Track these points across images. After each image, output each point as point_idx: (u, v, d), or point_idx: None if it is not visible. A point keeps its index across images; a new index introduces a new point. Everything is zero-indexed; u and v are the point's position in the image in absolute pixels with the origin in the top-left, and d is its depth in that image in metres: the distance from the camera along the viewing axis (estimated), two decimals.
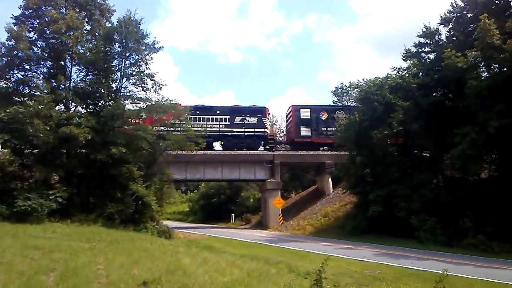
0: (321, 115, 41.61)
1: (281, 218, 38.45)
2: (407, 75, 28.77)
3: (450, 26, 28.04)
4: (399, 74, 29.34)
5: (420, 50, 29.26)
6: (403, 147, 28.71)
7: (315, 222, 34.62)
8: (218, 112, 41.06)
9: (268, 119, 41.76)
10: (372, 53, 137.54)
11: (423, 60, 29.09)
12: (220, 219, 52.26)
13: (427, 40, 28.83)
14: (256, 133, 40.96)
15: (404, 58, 29.92)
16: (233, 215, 51.16)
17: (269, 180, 40.27)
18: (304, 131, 41.21)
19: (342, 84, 69.38)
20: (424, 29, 28.67)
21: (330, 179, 40.77)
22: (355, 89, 34.02)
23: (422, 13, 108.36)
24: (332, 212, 34.80)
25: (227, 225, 48.33)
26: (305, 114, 41.45)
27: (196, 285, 8.77)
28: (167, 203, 40.27)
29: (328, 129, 41.30)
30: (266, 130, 41.66)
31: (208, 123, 39.71)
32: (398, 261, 16.54)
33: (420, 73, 28.42)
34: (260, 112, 41.61)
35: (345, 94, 66.80)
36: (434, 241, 22.71)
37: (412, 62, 29.35)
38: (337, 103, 67.59)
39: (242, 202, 54.67)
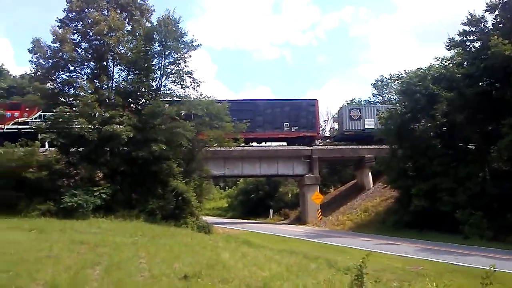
0: None
1: (320, 213, 38.13)
2: (451, 65, 27.68)
3: (497, 12, 26.67)
4: (442, 64, 28.27)
5: (464, 38, 28.03)
6: (447, 139, 27.70)
7: (355, 217, 34.12)
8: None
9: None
10: (412, 43, 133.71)
11: (468, 49, 27.87)
12: (259, 214, 52.39)
13: (472, 28, 27.60)
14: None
15: (447, 48, 28.81)
16: (271, 210, 51.18)
17: (307, 175, 39.99)
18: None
19: (382, 76, 67.70)
20: (469, 17, 27.46)
21: (370, 174, 40.02)
22: (396, 81, 33.12)
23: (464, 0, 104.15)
24: (373, 207, 34.17)
25: (266, 220, 48.41)
26: None
27: (236, 279, 8.82)
28: (206, 199, 40.65)
29: None
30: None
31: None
32: (442, 257, 16.03)
33: (465, 63, 27.26)
34: None
35: (385, 87, 65.34)
36: (480, 236, 21.81)
37: (456, 51, 28.22)
38: (377, 96, 66.36)
39: (280, 197, 54.61)
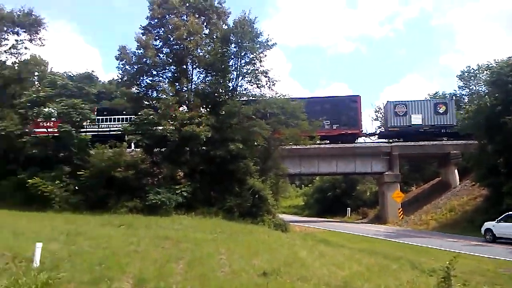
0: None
1: (401, 212, 36.70)
2: None
3: None
4: None
5: None
6: None
7: (440, 216, 32.42)
8: None
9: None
10: (500, 31, 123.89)
11: None
12: (336, 213, 51.60)
13: None
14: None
15: None
16: (349, 209, 50.20)
17: (387, 172, 38.70)
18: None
19: (469, 67, 63.18)
20: None
21: (456, 171, 37.79)
22: (485, 72, 30.90)
23: None
24: (459, 206, 32.21)
25: (343, 219, 47.59)
26: None
27: (315, 277, 8.81)
28: (282, 197, 40.84)
29: None
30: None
31: None
32: None
33: None
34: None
35: (472, 78, 61.05)
36: None
37: None
38: (463, 88, 62.28)
39: (358, 195, 53.41)
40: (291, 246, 14.57)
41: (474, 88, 59.34)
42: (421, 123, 39.41)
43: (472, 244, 20.09)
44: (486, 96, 28.91)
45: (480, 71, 57.76)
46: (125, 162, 24.72)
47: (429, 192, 41.36)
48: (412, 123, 39.53)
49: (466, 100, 55.21)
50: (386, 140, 41.40)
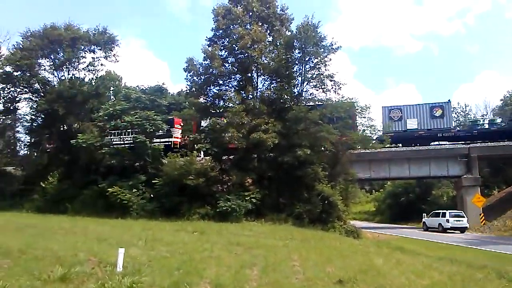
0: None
1: (483, 217, 34.37)
2: None
3: None
4: None
5: None
6: None
7: None
8: None
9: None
10: None
11: None
12: (410, 219, 49.36)
13: None
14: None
15: None
16: (424, 214, 47.89)
17: (465, 176, 36.52)
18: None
19: None
20: None
21: None
22: None
23: None
24: None
25: (418, 225, 45.47)
26: None
27: (393, 286, 8.44)
28: (352, 202, 39.92)
29: None
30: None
31: None
32: None
33: None
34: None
35: None
36: None
37: None
38: None
39: (433, 200, 50.78)
40: (365, 253, 14.11)
41: None
42: (416, 127, 38.32)
43: None
44: None
45: None
46: (195, 170, 25.40)
47: None
48: (407, 128, 38.43)
49: None
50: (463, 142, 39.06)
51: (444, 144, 39.33)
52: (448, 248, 21.30)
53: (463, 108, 64.94)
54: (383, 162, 38.22)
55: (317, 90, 27.78)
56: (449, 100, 40.34)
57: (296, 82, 28.15)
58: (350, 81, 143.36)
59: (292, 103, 27.66)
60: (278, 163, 25.37)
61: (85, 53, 35.53)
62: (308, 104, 27.88)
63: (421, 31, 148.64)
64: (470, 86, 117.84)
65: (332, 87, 27.18)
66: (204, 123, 28.78)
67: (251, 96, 27.89)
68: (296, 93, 28.22)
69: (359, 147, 30.22)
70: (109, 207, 25.14)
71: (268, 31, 29.07)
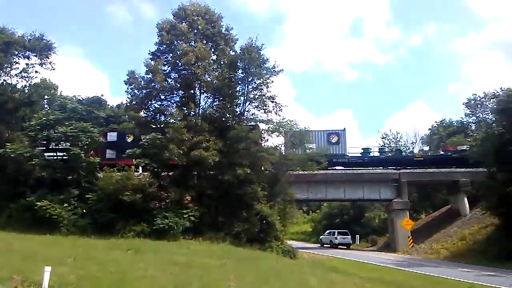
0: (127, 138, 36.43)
1: (411, 240, 36.09)
2: None
3: None
4: None
5: None
6: None
7: (451, 245, 31.83)
8: None
9: None
10: (505, 60, 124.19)
11: None
12: None
13: None
14: None
15: None
16: (357, 236, 49.54)
17: (395, 200, 38.31)
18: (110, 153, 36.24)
19: (475, 95, 63.53)
20: None
21: (465, 199, 37.30)
22: (492, 100, 31.01)
23: None
24: (470, 235, 31.64)
25: (352, 246, 46.88)
26: (112, 137, 36.88)
27: None
28: (290, 223, 40.48)
29: None
30: None
31: None
32: None
33: None
34: None
35: (479, 106, 61.17)
36: None
37: None
38: (470, 116, 62.41)
39: (366, 222, 52.76)
40: (301, 274, 14.32)
41: (481, 116, 59.39)
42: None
43: (487, 274, 19.58)
44: (494, 125, 28.80)
45: (487, 99, 57.96)
46: (132, 186, 24.61)
47: (439, 220, 40.77)
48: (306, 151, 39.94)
49: (473, 128, 55.17)
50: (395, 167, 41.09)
51: (377, 169, 41.19)
52: (380, 269, 22.07)
53: (394, 135, 68.34)
54: (320, 184, 39.20)
55: (258, 110, 28.14)
56: (344, 129, 42.28)
57: (239, 102, 28.40)
58: (291, 104, 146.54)
59: (234, 122, 27.79)
60: (218, 181, 25.23)
61: (18, 59, 33.58)
62: (250, 123, 28.14)
63: (357, 60, 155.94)
64: (402, 115, 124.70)
65: (274, 108, 27.69)
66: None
67: (193, 113, 27.75)
68: (238, 112, 28.44)
69: (298, 168, 30.84)
70: (38, 222, 23.53)
71: (213, 50, 29.19)
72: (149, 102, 28.20)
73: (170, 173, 26.65)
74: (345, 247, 41.36)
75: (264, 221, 25.00)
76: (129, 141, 35.56)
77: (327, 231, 47.10)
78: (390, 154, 42.89)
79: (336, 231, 45.39)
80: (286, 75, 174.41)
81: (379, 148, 44.42)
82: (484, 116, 56.57)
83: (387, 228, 43.35)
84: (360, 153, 42.27)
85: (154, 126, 27.75)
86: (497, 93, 28.91)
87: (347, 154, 41.39)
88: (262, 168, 27.30)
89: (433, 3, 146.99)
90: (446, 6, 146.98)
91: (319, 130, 41.29)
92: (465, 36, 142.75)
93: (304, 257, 26.69)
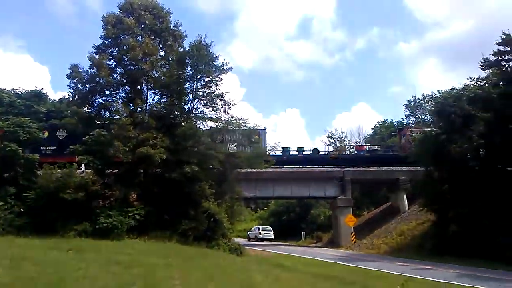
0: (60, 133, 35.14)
1: (354, 236, 37.35)
2: (486, 85, 27.12)
3: None
4: (477, 84, 27.74)
5: (499, 58, 27.45)
6: (485, 161, 26.82)
7: (390, 241, 33.25)
8: None
9: None
10: (442, 64, 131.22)
11: (504, 69, 27.27)
12: (291, 237, 51.82)
13: (507, 48, 27.02)
14: None
15: (482, 68, 28.24)
16: (303, 233, 50.58)
17: (339, 197, 39.48)
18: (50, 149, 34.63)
19: (415, 97, 66.90)
20: (503, 37, 26.94)
21: (405, 196, 39.10)
22: (430, 102, 32.69)
23: (495, 19, 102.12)
24: (409, 230, 33.22)
25: (298, 243, 47.80)
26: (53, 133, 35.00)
27: None
28: (237, 220, 40.61)
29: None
30: None
31: None
32: (482, 283, 15.35)
33: (501, 83, 26.64)
34: None
35: (418, 108, 64.45)
36: None
37: (491, 71, 27.65)
38: (410, 117, 65.56)
39: (312, 219, 53.95)
40: (247, 271, 14.42)
41: (420, 117, 62.64)
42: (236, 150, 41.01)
43: (422, 268, 20.64)
44: (431, 125, 30.38)
45: (425, 101, 61.28)
46: (74, 184, 23.70)
47: (380, 216, 42.43)
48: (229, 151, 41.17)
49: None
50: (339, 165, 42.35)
51: (323, 167, 42.30)
52: (323, 264, 22.64)
53: (340, 134, 70.42)
54: (268, 182, 39.63)
55: (207, 108, 28.01)
56: (264, 128, 43.07)
57: (187, 99, 28.12)
58: (240, 102, 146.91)
59: (182, 119, 27.50)
60: (165, 179, 24.83)
61: None
62: (198, 121, 27.95)
63: (306, 61, 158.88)
64: (347, 115, 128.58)
65: (222, 106, 27.67)
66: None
67: (140, 110, 27.14)
68: (187, 109, 28.16)
69: (247, 166, 30.99)
70: None
71: (161, 46, 28.68)
72: (93, 97, 27.20)
73: (115, 171, 25.89)
74: (268, 240, 47.85)
75: (212, 219, 24.93)
76: (62, 136, 34.29)
77: (254, 227, 53.28)
78: (309, 153, 44.24)
79: (260, 227, 53.18)
80: (235, 73, 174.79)
81: (297, 148, 45.62)
82: (423, 117, 59.73)
83: (332, 225, 44.57)
84: (281, 152, 43.16)
85: (98, 122, 26.82)
86: (435, 96, 30.52)
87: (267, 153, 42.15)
88: (211, 166, 27.17)
89: (377, 8, 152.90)
90: (389, 11, 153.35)
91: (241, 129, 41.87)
92: (407, 41, 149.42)
93: (251, 254, 26.86)
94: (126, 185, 24.79)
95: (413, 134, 40.04)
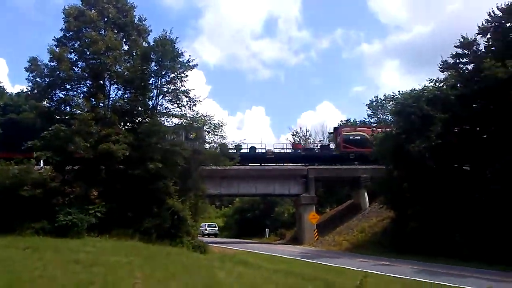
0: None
1: (317, 233, 37.94)
2: (444, 86, 28.11)
3: (489, 36, 27.23)
4: (436, 86, 28.70)
5: (457, 61, 28.50)
6: (442, 160, 27.82)
7: (352, 237, 33.97)
8: None
9: None
10: (403, 65, 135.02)
11: (461, 71, 28.33)
12: (255, 234, 52.08)
13: (464, 51, 28.08)
14: None
15: (441, 70, 29.25)
16: (267, 230, 50.94)
17: (303, 194, 39.94)
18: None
19: (377, 97, 68.62)
20: (461, 40, 27.97)
21: (366, 194, 40.01)
22: (391, 102, 33.57)
23: (454, 23, 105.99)
24: (369, 227, 34.06)
25: (262, 240, 48.07)
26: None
27: None
28: (202, 217, 40.55)
29: None
30: None
31: None
32: (440, 278, 15.90)
33: (458, 84, 27.68)
34: None
35: (380, 108, 66.09)
36: (479, 258, 21.62)
37: (449, 73, 28.67)
38: (372, 116, 67.12)
39: (276, 217, 54.42)
40: (210, 268, 14.37)
41: (381, 116, 64.30)
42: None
43: (382, 264, 21.21)
44: (392, 125, 31.24)
45: (386, 101, 63.01)
46: (32, 180, 22.94)
47: (342, 214, 43.24)
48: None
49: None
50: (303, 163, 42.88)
51: (288, 165, 42.74)
52: (286, 261, 22.87)
53: (304, 133, 71.27)
54: (233, 179, 39.64)
55: (172, 104, 27.75)
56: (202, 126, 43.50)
57: (152, 95, 27.71)
58: (205, 99, 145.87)
59: (146, 115, 27.08)
60: (128, 175, 24.34)
61: None
62: (163, 117, 27.60)
63: (272, 60, 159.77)
64: (312, 114, 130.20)
65: (187, 103, 27.48)
66: None
67: (102, 105, 26.53)
68: (151, 105, 27.73)
69: (211, 163, 30.85)
70: None
71: (124, 40, 28.14)
72: (53, 92, 26.38)
73: (76, 167, 25.20)
74: (213, 236, 53.91)
75: (176, 217, 24.70)
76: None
77: (202, 224, 53.21)
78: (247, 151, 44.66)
79: (207, 224, 57.57)
80: (202, 70, 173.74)
81: (235, 145, 46.05)
82: (384, 117, 61.31)
83: (295, 222, 45.09)
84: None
85: (58, 117, 25.94)
86: (396, 96, 31.34)
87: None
88: (175, 163, 26.87)
89: (341, 9, 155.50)
90: (353, 13, 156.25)
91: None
92: (370, 42, 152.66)
93: (215, 252, 26.80)
94: (87, 181, 24.22)
95: (349, 134, 42.92)
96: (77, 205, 22.64)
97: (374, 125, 55.15)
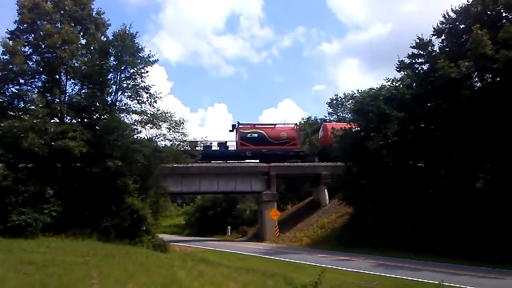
0: None
1: (278, 230, 38.28)
2: (401, 86, 28.99)
3: (443, 37, 28.27)
4: (393, 85, 29.55)
5: (413, 61, 29.42)
6: (398, 157, 28.73)
7: (312, 233, 34.49)
8: None
9: None
10: (362, 65, 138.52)
11: (417, 71, 29.29)
12: (217, 231, 51.99)
13: (420, 51, 29.03)
14: None
15: (398, 69, 30.14)
16: (229, 227, 50.93)
17: (265, 192, 40.20)
18: None
19: (337, 95, 70.05)
20: (417, 40, 28.89)
21: (326, 190, 40.74)
22: (350, 101, 34.29)
23: (411, 24, 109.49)
24: (329, 223, 34.70)
25: (224, 237, 48.05)
26: None
27: None
28: (162, 216, 40.02)
29: None
30: None
31: None
32: (395, 272, 16.45)
33: (414, 84, 28.61)
34: None
35: (340, 106, 67.37)
36: (431, 252, 22.54)
37: (406, 73, 29.57)
38: (332, 114, 68.32)
39: (238, 214, 54.53)
40: (170, 267, 14.20)
41: (341, 114, 65.63)
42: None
43: (340, 259, 21.67)
44: (351, 123, 31.98)
45: (346, 100, 64.34)
46: None
47: (302, 210, 43.85)
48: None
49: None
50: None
51: (249, 162, 42.86)
52: (247, 258, 22.98)
53: None
54: (195, 177, 39.37)
55: (132, 100, 27.26)
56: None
57: (110, 91, 26.98)
58: (167, 96, 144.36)
59: (105, 111, 26.39)
60: (85, 173, 23.68)
61: None
62: (122, 114, 27.01)
63: (234, 57, 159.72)
64: (274, 111, 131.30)
65: (148, 99, 27.05)
66: None
67: (58, 100, 25.66)
68: (110, 101, 27.10)
69: (172, 160, 30.48)
70: None
71: (82, 33, 27.31)
72: (6, 86, 25.31)
73: (30, 165, 24.27)
74: None
75: (135, 215, 24.31)
76: None
77: None
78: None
79: None
80: (163, 66, 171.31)
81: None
82: (344, 115, 62.59)
83: (257, 219, 45.31)
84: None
85: (11, 113, 24.93)
86: (355, 95, 32.01)
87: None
88: (135, 160, 26.36)
89: (302, 8, 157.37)
90: (314, 12, 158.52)
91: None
92: (329, 41, 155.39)
93: (175, 250, 26.57)
94: (41, 180, 23.39)
95: (246, 131, 43.23)
96: (31, 204, 21.82)
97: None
